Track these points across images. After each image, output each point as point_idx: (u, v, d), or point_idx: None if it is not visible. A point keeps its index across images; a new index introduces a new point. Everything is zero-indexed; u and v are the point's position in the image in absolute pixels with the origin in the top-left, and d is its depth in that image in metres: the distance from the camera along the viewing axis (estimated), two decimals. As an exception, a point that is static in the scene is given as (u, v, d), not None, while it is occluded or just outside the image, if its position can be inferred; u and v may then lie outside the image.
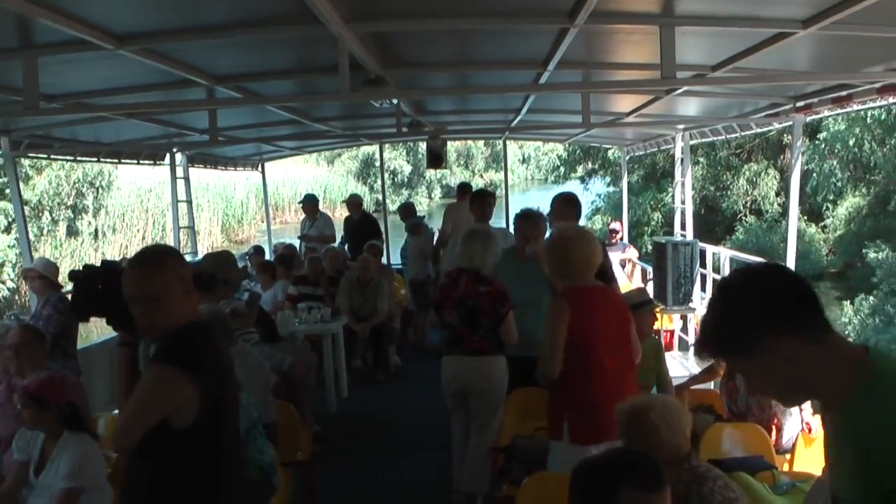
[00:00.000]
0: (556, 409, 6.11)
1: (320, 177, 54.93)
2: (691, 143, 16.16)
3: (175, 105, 9.75)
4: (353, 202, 17.74)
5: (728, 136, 15.81)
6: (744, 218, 29.42)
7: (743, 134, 15.63)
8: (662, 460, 4.39)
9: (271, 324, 10.89)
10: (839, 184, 26.50)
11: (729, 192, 29.48)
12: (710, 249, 14.74)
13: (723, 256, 13.98)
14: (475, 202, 10.88)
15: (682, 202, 16.00)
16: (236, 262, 9.36)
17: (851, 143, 25.78)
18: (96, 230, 33.86)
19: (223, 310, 7.93)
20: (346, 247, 16.60)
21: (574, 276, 6.13)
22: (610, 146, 30.87)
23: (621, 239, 17.88)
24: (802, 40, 6.88)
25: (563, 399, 6.05)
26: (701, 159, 28.34)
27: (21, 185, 31.69)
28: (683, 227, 15.82)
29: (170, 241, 15.95)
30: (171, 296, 3.99)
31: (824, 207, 27.57)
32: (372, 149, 50.75)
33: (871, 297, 22.47)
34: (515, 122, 14.89)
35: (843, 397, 2.50)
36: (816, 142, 26.48)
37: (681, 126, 14.91)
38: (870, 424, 2.39)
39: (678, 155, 15.98)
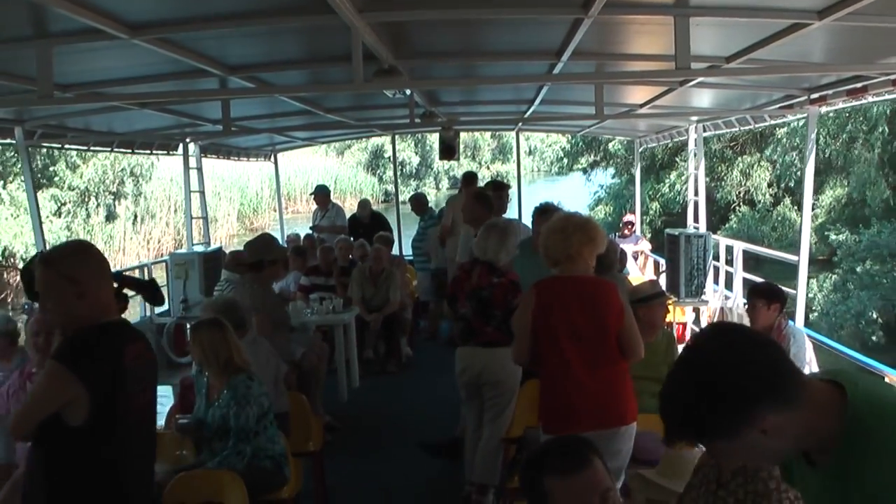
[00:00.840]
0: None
1: (330, 168, 55.12)
2: (704, 135, 16.11)
3: (188, 95, 9.75)
4: (362, 205, 17.82)
5: (742, 129, 15.76)
6: (737, 208, 30.00)
7: (757, 126, 15.56)
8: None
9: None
10: (821, 176, 27.30)
11: (723, 184, 30.21)
12: (723, 242, 14.70)
13: (736, 249, 13.94)
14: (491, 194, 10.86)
15: (696, 194, 15.95)
16: (276, 241, 9.50)
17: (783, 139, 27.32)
18: (134, 215, 35.37)
19: (236, 301, 7.95)
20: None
21: (555, 265, 6.22)
22: (617, 138, 31.54)
23: (634, 231, 17.85)
24: (818, 31, 6.84)
25: (540, 388, 6.21)
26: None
27: (70, 172, 34.34)
28: (696, 219, 15.77)
29: (183, 231, 15.93)
30: (59, 297, 4.01)
31: (815, 198, 27.74)
32: (381, 140, 51.89)
33: (833, 275, 23.81)
34: (529, 112, 14.85)
35: (832, 444, 2.48)
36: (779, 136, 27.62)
37: (694, 118, 14.86)
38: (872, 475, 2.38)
39: (691, 147, 15.92)
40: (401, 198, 22.00)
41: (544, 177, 52.69)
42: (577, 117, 15.84)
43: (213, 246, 16.10)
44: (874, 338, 22.21)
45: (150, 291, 4.24)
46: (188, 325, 12.02)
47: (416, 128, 17.47)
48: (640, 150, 22.33)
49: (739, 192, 30.10)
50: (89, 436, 3.88)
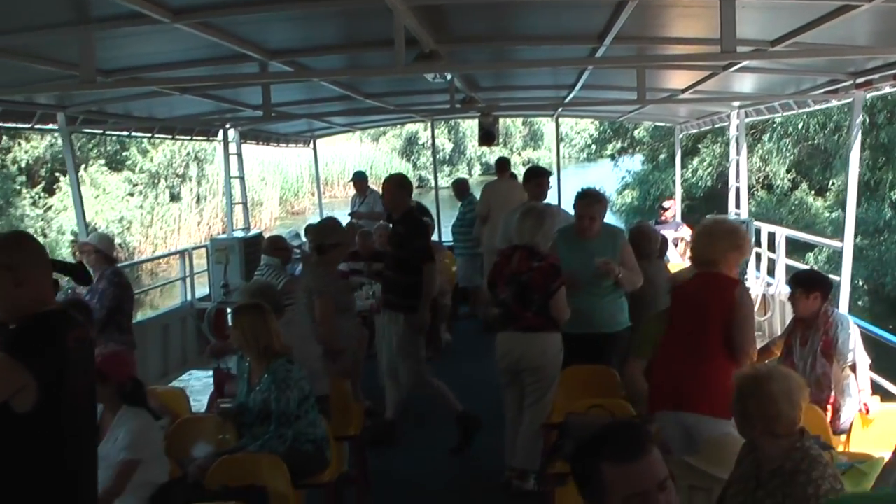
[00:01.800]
0: None
1: (366, 154, 55.44)
2: (746, 121, 15.97)
3: (228, 79, 9.76)
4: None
5: (785, 114, 15.61)
6: (756, 192, 30.07)
7: (800, 111, 15.40)
8: (774, 433, 4.34)
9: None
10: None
11: (730, 168, 29.92)
12: (765, 228, 14.58)
13: (778, 235, 13.82)
14: (530, 180, 10.82)
15: (737, 180, 15.83)
16: (340, 225, 9.68)
17: (800, 125, 28.27)
18: (197, 196, 37.20)
19: (272, 284, 7.96)
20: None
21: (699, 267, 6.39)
22: (643, 125, 32.61)
23: (674, 217, 17.71)
24: (866, 13, 6.73)
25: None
26: (719, 138, 29.29)
27: (140, 157, 35.75)
28: (738, 205, 15.65)
29: (223, 217, 16.00)
30: None
31: (830, 183, 29.34)
32: (415, 127, 52.90)
33: (827, 249, 24.23)
34: (569, 98, 14.75)
35: None
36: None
37: (736, 103, 14.72)
38: None
39: (733, 133, 15.80)
40: (442, 183, 21.99)
41: (574, 163, 52.70)
42: (617, 102, 15.74)
43: (254, 231, 16.17)
44: (860, 302, 23.83)
45: (76, 273, 4.23)
46: (229, 310, 12.07)
47: (456, 113, 17.43)
48: (679, 136, 22.16)
49: (759, 177, 30.39)
50: (36, 422, 3.87)
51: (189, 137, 15.93)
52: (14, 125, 11.37)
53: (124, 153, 34.81)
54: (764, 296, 13.74)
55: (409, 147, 60.73)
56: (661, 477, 3.04)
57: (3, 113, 10.03)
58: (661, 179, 32.42)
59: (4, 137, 27.59)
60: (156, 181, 36.51)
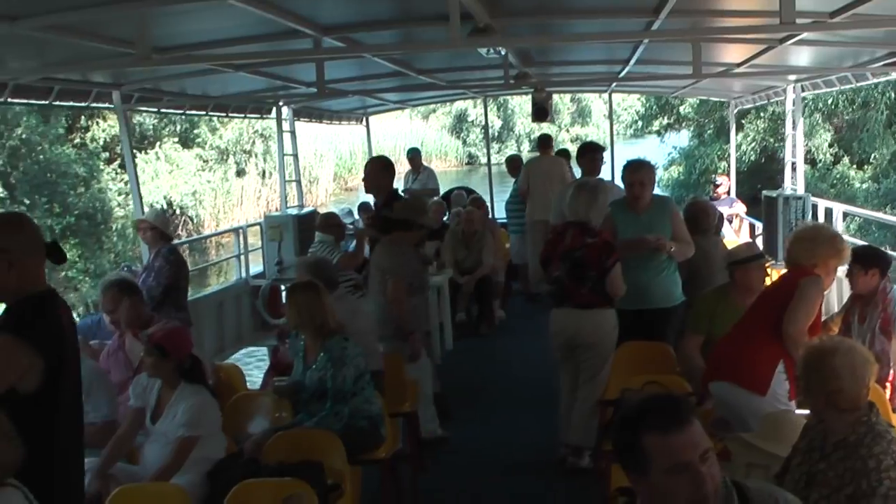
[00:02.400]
0: None
1: (417, 131, 55.58)
2: (803, 95, 15.74)
3: (282, 55, 9.76)
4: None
5: (842, 88, 15.37)
6: (798, 166, 30.10)
7: (858, 84, 15.13)
8: (837, 407, 4.28)
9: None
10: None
11: (785, 144, 30.12)
12: (822, 204, 14.38)
13: (836, 211, 13.63)
14: (584, 156, 10.75)
15: (794, 155, 15.62)
16: (427, 208, 9.81)
17: (829, 101, 28.76)
18: (263, 172, 38.29)
19: (328, 259, 7.97)
20: None
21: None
22: (688, 101, 33.23)
23: (728, 193, 17.51)
24: (929, -17, 6.60)
25: None
26: (762, 113, 30.43)
27: (210, 134, 36.81)
28: (794, 180, 15.45)
29: (278, 194, 16.08)
30: None
31: (871, 157, 29.85)
32: (465, 105, 53.50)
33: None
34: (623, 73, 14.63)
35: None
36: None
37: (792, 77, 14.50)
38: None
39: (789, 107, 15.57)
40: (486, 159, 21.98)
41: (622, 139, 52.76)
42: (672, 77, 15.58)
43: (308, 208, 16.22)
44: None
45: (51, 253, 4.28)
46: (283, 287, 12.12)
47: (509, 89, 17.31)
48: (734, 111, 21.91)
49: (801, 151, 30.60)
50: (39, 402, 3.92)
51: (242, 115, 15.97)
52: (70, 104, 11.45)
53: (195, 131, 35.54)
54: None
55: (459, 124, 60.79)
56: (704, 448, 3.01)
57: (60, 92, 10.11)
58: (706, 154, 33.08)
59: (82, 117, 28.42)
60: (224, 157, 37.33)
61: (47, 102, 10.40)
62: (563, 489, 7.68)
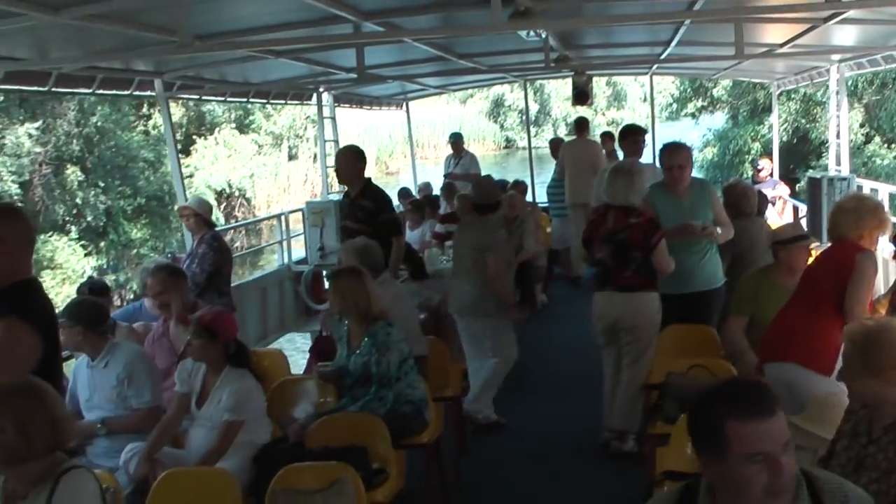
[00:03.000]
0: None
1: (455, 116, 55.94)
2: (847, 75, 15.56)
3: (323, 40, 9.76)
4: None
5: (887, 67, 15.18)
6: (830, 146, 30.72)
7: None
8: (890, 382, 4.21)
9: (419, 262, 10.94)
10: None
11: (817, 125, 31.50)
12: (867, 185, 14.23)
13: (882, 192, 13.48)
14: (626, 138, 10.67)
15: (838, 136, 15.46)
16: (497, 188, 9.81)
17: (849, 82, 28.29)
18: (314, 156, 38.67)
19: (375, 243, 7.98)
20: None
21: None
22: (721, 84, 34.25)
23: (770, 176, 17.37)
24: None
25: None
26: (794, 95, 31.00)
27: (265, 121, 38.24)
28: (839, 162, 15.30)
29: (318, 180, 16.13)
30: None
31: None
32: (502, 89, 54.08)
33: None
34: (664, 54, 14.53)
35: None
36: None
37: (836, 57, 14.34)
38: None
39: (833, 88, 15.40)
40: (523, 144, 21.99)
41: (657, 122, 53.08)
42: (713, 58, 15.47)
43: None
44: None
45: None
46: (325, 273, 12.16)
47: (549, 73, 17.25)
48: (777, 93, 21.71)
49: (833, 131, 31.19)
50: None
51: (283, 102, 16.02)
52: (113, 92, 11.53)
53: (251, 117, 37.15)
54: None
55: (496, 109, 61.43)
56: (786, 439, 2.99)
57: (102, 80, 10.18)
58: (739, 136, 33.66)
59: (145, 105, 29.71)
60: (279, 142, 38.81)
61: (90, 91, 10.50)
62: (607, 473, 7.64)
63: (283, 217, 14.53)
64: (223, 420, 5.81)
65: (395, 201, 16.06)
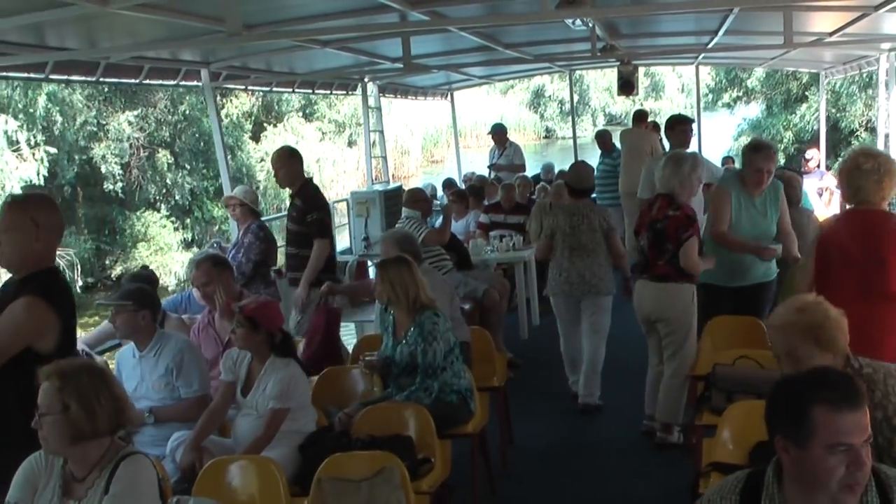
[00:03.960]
0: None
1: (496, 106, 56.28)
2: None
3: (370, 29, 9.76)
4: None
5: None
6: (859, 135, 32.48)
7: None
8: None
9: (464, 252, 10.94)
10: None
11: (846, 114, 32.97)
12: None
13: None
14: (675, 128, 10.59)
15: (887, 126, 15.26)
16: (592, 173, 10.16)
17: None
18: (373, 142, 40.53)
19: (412, 234, 7.98)
20: None
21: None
22: (755, 75, 35.47)
23: (818, 166, 17.19)
24: None
25: None
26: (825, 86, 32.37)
27: (328, 110, 39.51)
28: (888, 150, 15.11)
29: (363, 169, 16.16)
30: (21, 237, 4.54)
31: None
32: (542, 80, 55.66)
33: None
34: (711, 44, 14.41)
35: None
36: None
37: (886, 46, 14.17)
38: None
39: (882, 77, 15.22)
40: (562, 133, 21.99)
41: (694, 112, 53.39)
42: (761, 48, 15.32)
43: (395, 183, 16.26)
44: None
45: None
46: (370, 263, 12.18)
47: (595, 62, 17.17)
48: (825, 82, 21.48)
49: (861, 121, 32.46)
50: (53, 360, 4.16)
51: (329, 92, 16.05)
52: (160, 82, 11.62)
53: (315, 106, 38.70)
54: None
55: (537, 100, 62.23)
56: (868, 433, 2.98)
57: (149, 71, 10.25)
58: (772, 125, 35.11)
59: (217, 95, 30.46)
60: (341, 130, 40.19)
61: (137, 81, 10.57)
62: (654, 464, 7.62)
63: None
64: (269, 408, 5.82)
65: (440, 191, 16.14)
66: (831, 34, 12.10)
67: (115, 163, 28.26)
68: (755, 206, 7.84)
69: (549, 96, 60.75)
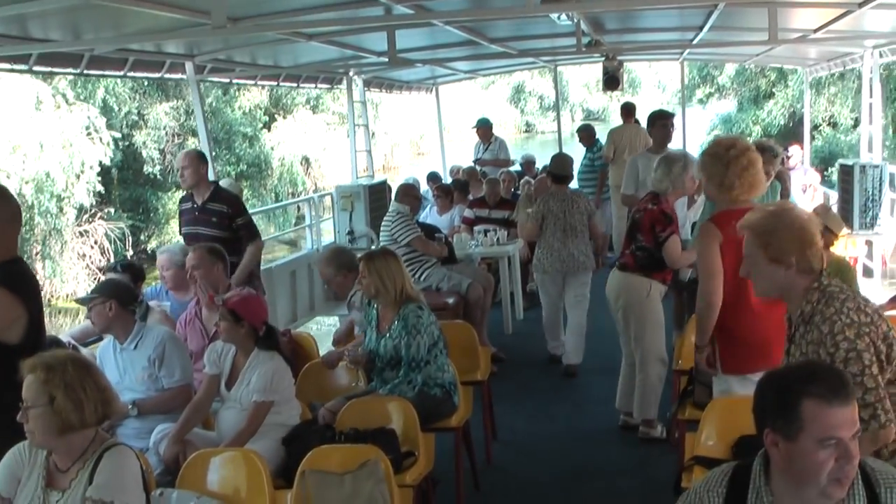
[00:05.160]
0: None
1: (477, 101, 56.79)
2: (881, 62, 15.40)
3: (355, 22, 9.74)
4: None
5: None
6: (823, 129, 34.86)
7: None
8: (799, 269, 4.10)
9: (449, 246, 10.94)
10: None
11: (812, 109, 33.85)
12: (902, 172, 14.12)
13: (913, 180, 13.38)
14: (655, 123, 10.63)
15: (871, 123, 15.30)
16: (570, 161, 10.77)
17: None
18: (373, 133, 42.57)
19: (344, 247, 8.07)
20: None
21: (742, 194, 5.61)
22: (726, 72, 37.65)
23: (801, 163, 17.25)
24: None
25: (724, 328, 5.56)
26: (790, 82, 35.16)
27: (332, 102, 40.22)
28: (871, 149, 15.15)
29: (349, 163, 16.12)
30: None
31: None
32: (523, 76, 58.32)
33: None
34: (696, 40, 14.43)
35: None
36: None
37: (870, 43, 14.20)
38: None
39: (866, 75, 15.24)
40: (541, 128, 22.05)
41: (669, 107, 54.30)
42: (746, 44, 15.35)
43: (379, 177, 16.25)
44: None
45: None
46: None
47: (580, 57, 17.17)
48: (808, 79, 21.54)
49: (825, 116, 34.82)
50: (20, 354, 4.13)
51: (314, 85, 16.01)
52: (144, 74, 11.59)
53: (319, 99, 40.58)
54: (899, 242, 13.32)
55: (517, 95, 64.57)
56: (857, 428, 3.00)
57: (134, 63, 10.22)
58: (742, 119, 38.07)
59: (231, 89, 33.09)
60: (343, 121, 40.78)
61: (122, 74, 10.54)
62: (636, 458, 7.67)
63: (311, 201, 14.53)
64: (252, 401, 5.83)
65: (424, 185, 16.13)
66: (816, 31, 12.13)
67: (154, 148, 31.11)
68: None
69: (530, 91, 63.24)
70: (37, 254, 24.52)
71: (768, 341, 5.06)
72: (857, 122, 32.37)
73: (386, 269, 6.50)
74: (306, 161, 38.34)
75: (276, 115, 39.14)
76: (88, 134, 25.25)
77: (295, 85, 15.79)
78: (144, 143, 30.90)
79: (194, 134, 30.97)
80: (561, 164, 10.52)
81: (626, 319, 7.88)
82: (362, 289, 6.82)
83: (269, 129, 37.73)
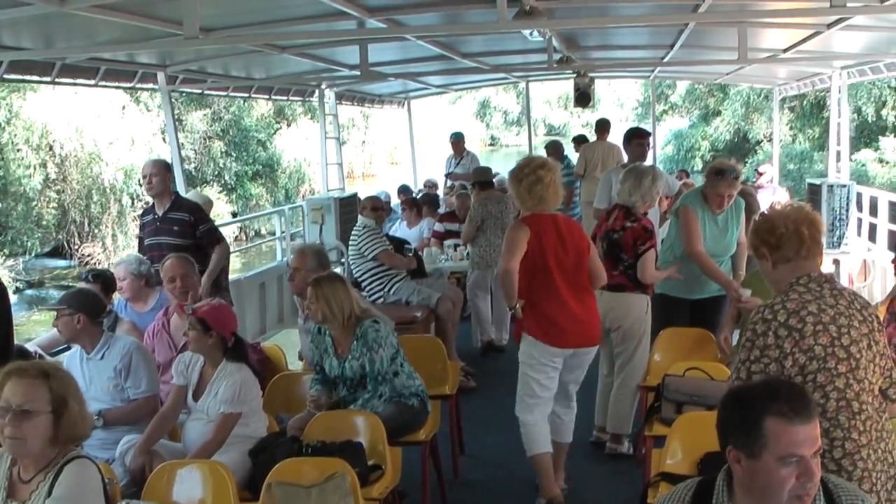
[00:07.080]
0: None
1: (445, 115, 58.06)
2: (849, 82, 15.55)
3: (327, 35, 9.76)
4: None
5: (889, 75, 15.18)
6: (763, 144, 38.36)
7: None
8: None
9: (418, 260, 10.94)
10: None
11: (754, 126, 39.73)
12: (866, 192, 14.24)
13: (881, 200, 13.49)
14: (631, 142, 10.64)
15: (838, 143, 15.43)
16: (490, 171, 11.77)
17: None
18: (363, 142, 49.29)
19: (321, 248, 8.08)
20: None
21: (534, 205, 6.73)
22: (678, 91, 40.69)
23: (771, 181, 17.37)
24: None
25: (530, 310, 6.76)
26: (736, 99, 39.02)
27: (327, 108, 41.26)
28: (839, 169, 15.28)
29: (319, 177, 16.15)
30: None
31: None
32: (488, 92, 61.05)
33: None
34: (667, 57, 14.54)
35: None
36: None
37: (838, 64, 14.36)
38: None
39: (835, 95, 15.40)
40: (506, 142, 22.03)
41: (628, 123, 55.24)
42: (716, 62, 15.48)
43: (350, 190, 16.25)
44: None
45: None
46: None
47: (552, 72, 17.23)
48: (779, 98, 21.71)
49: (766, 133, 37.81)
50: None
51: (286, 98, 16.01)
52: (116, 84, 11.56)
53: (316, 110, 42.38)
54: (865, 261, 13.44)
55: (483, 110, 67.52)
56: (818, 445, 3.03)
57: (105, 72, 10.19)
58: (691, 135, 42.30)
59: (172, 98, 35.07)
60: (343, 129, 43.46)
61: (93, 83, 10.50)
62: (603, 474, 7.67)
63: (282, 213, 14.52)
64: (219, 412, 5.81)
65: (395, 199, 16.14)
66: (785, 51, 12.25)
67: (190, 149, 34.96)
68: (717, 224, 7.96)
69: (495, 107, 66.59)
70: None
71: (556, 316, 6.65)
72: (793, 138, 37.24)
73: (333, 295, 6.43)
74: (309, 164, 40.71)
75: (278, 126, 42.43)
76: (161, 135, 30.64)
77: (267, 97, 15.78)
78: (182, 144, 32.20)
79: (219, 137, 37.05)
80: (482, 173, 12.06)
81: (624, 339, 7.79)
82: (310, 314, 6.75)
83: (278, 135, 41.57)
